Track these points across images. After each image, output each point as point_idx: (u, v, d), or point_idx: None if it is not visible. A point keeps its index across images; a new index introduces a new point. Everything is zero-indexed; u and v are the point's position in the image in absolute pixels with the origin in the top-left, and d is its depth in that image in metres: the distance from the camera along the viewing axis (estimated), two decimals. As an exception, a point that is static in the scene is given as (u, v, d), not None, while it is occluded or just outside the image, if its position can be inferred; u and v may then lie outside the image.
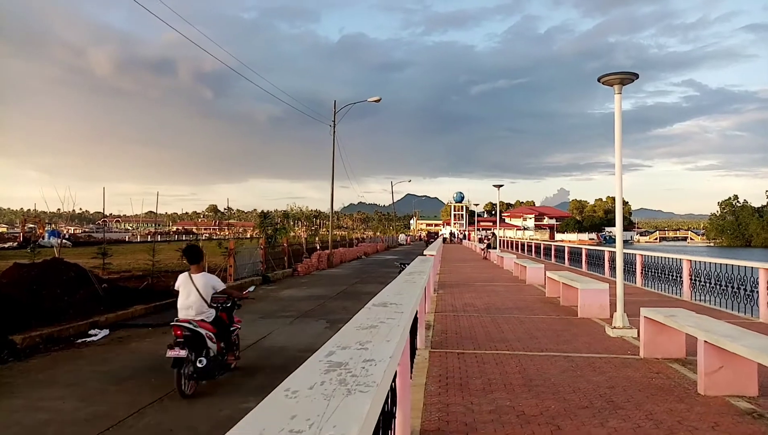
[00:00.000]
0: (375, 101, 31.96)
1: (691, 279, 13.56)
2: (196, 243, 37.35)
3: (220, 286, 7.63)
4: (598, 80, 8.96)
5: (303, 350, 9.65)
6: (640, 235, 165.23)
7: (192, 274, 7.40)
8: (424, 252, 14.89)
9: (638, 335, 8.53)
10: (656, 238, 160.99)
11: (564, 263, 27.71)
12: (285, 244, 27.18)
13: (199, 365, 6.91)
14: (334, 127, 31.84)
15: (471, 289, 15.79)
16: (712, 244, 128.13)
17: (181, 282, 7.48)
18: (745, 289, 11.03)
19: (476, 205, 72.49)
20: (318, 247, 33.95)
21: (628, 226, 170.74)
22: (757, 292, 10.58)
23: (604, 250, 21.49)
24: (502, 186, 29.29)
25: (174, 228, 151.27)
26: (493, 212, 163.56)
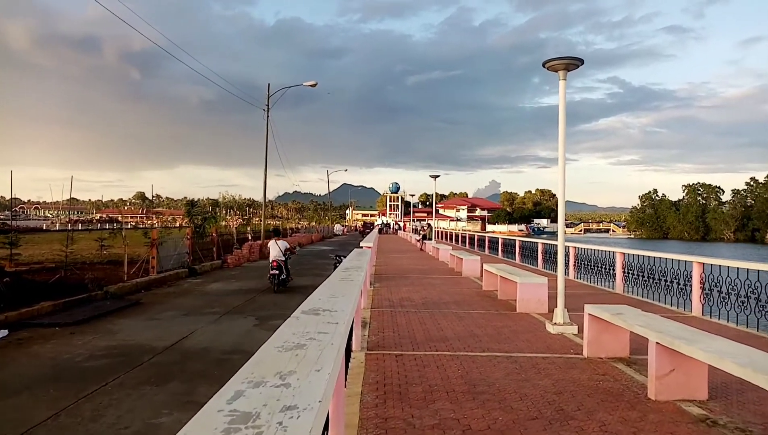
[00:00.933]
0: (311, 86, 30.99)
1: (624, 272, 13.68)
2: (119, 231, 35.25)
3: (287, 245, 16.72)
4: (543, 65, 8.64)
5: (227, 352, 8.89)
6: (566, 227, 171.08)
7: (277, 241, 16.42)
8: (361, 244, 14.35)
9: (579, 332, 8.34)
10: (581, 230, 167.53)
11: (497, 255, 27.92)
12: (214, 234, 25.94)
13: (282, 277, 15.92)
14: (268, 110, 30.64)
15: (408, 282, 15.39)
16: (632, 236, 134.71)
17: (271, 243, 16.49)
18: (678, 283, 11.12)
19: (412, 195, 72.70)
20: (250, 238, 32.76)
21: (556, 217, 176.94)
22: (690, 285, 10.67)
23: (537, 242, 21.66)
24: (438, 176, 29.13)
25: (97, 216, 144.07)
26: (428, 203, 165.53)
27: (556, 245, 19.95)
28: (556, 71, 8.63)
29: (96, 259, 24.10)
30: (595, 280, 15.36)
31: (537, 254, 21.30)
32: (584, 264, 16.37)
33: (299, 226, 59.45)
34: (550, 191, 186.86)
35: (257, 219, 46.99)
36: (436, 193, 35.31)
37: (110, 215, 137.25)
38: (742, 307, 9.14)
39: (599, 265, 15.13)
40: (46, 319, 11.38)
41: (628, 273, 13.48)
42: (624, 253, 13.80)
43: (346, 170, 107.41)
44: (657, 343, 5.18)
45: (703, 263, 10.36)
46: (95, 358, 8.34)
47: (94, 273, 18.20)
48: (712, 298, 9.97)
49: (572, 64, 8.48)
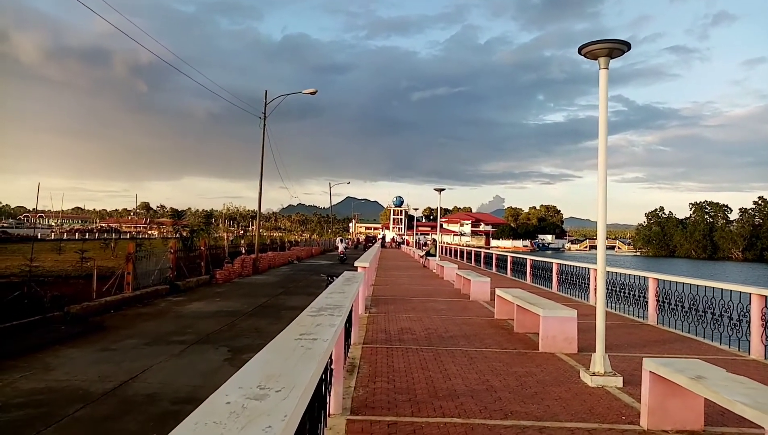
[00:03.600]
0: (311, 93, 29.42)
1: (657, 300, 11.88)
2: (114, 241, 33.87)
3: (347, 244, 53.98)
4: (579, 51, 6.92)
5: (181, 401, 7.10)
6: (571, 243, 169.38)
7: (341, 241, 49.07)
8: (355, 263, 12.53)
9: (624, 384, 6.57)
10: (586, 247, 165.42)
11: (506, 274, 26.10)
12: (203, 248, 24.19)
13: (343, 258, 39.62)
14: (265, 118, 29.04)
15: (409, 306, 13.60)
16: (638, 254, 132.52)
17: (338, 241, 51.56)
18: (730, 317, 9.32)
19: (416, 209, 70.88)
20: (244, 251, 31.00)
21: (561, 233, 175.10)
22: (747, 321, 8.87)
23: (551, 262, 19.82)
24: (443, 190, 27.43)
25: (99, 226, 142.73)
26: (432, 217, 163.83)
27: (573, 266, 18.18)
28: (596, 58, 6.91)
29: (75, 272, 22.40)
30: (622, 307, 13.55)
31: (551, 275, 19.47)
32: (609, 289, 14.55)
33: (299, 239, 57.68)
34: (554, 207, 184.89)
35: (256, 230, 45.20)
36: (440, 210, 33.65)
37: (110, 225, 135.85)
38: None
39: (627, 291, 13.32)
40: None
41: (663, 302, 11.66)
42: (657, 280, 12.00)
43: (348, 183, 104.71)
44: (782, 437, 3.40)
45: (766, 296, 8.56)
46: (6, 410, 6.56)
47: (66, 288, 16.51)
48: (779, 339, 8.17)
49: (617, 49, 6.76)
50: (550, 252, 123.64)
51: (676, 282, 11.25)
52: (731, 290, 9.42)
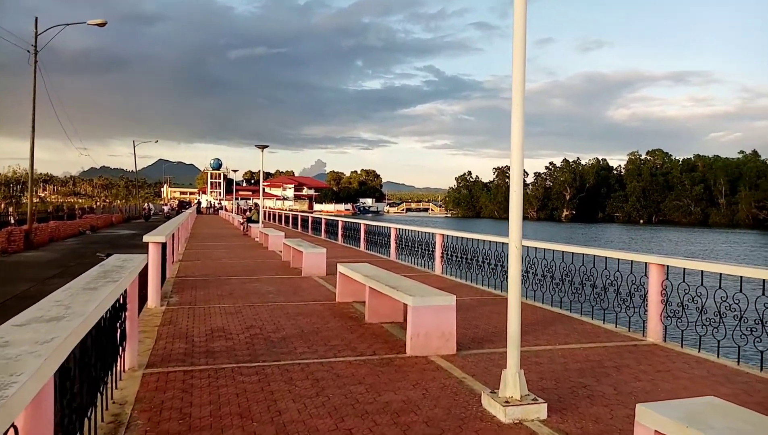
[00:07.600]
0: (99, 25, 23.77)
1: (527, 272, 10.29)
2: None
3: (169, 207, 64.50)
4: None
5: None
6: (389, 206, 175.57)
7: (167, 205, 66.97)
8: (145, 238, 8.98)
9: (550, 412, 4.44)
10: (403, 209, 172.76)
11: (337, 240, 23.98)
12: (-58, 218, 18.20)
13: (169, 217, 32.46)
14: (36, 53, 22.82)
15: (225, 289, 10.55)
16: (449, 215, 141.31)
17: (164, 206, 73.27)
18: (617, 292, 7.86)
19: (235, 171, 66.15)
20: (13, 221, 24.76)
21: (380, 197, 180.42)
22: (641, 296, 7.43)
23: (389, 228, 17.95)
24: (266, 147, 24.22)
25: None
26: (253, 181, 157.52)
27: (414, 232, 16.40)
28: None
29: None
30: (475, 277, 11.92)
31: (389, 241, 17.59)
32: (457, 256, 12.90)
33: (94, 206, 49.84)
34: (374, 171, 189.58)
35: (49, 196, 37.50)
36: (263, 170, 30.31)
37: None
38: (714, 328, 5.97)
39: (480, 259, 11.69)
40: None
41: (528, 271, 10.09)
42: (536, 248, 10.39)
43: (156, 141, 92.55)
44: None
45: (667, 266, 7.12)
46: None
47: None
48: (685, 318, 6.77)
49: None
50: (370, 215, 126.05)
51: (544, 249, 9.70)
52: (618, 259, 7.98)
